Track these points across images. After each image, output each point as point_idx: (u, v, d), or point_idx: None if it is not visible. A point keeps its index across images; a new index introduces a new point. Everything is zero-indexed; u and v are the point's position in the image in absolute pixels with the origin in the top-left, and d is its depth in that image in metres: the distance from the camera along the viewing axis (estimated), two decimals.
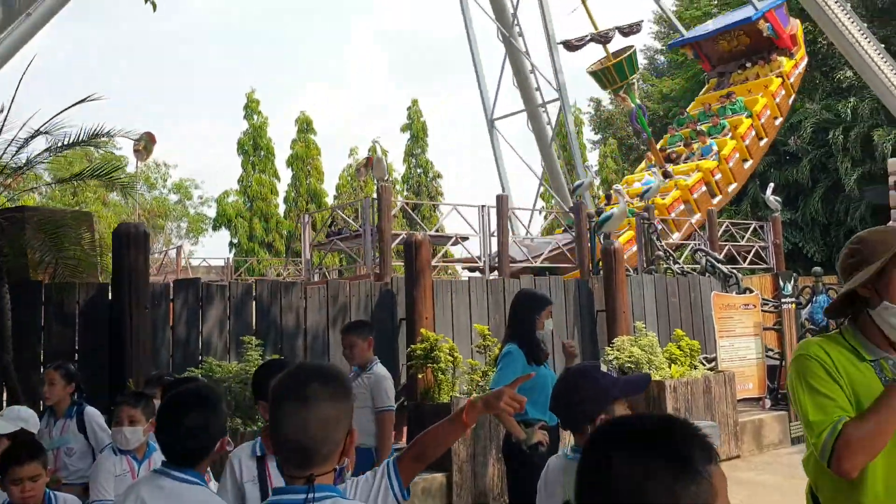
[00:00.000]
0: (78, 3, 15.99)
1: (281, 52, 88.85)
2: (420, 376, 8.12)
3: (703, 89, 26.13)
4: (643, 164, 22.94)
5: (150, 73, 79.66)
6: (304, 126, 38.31)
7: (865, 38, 18.93)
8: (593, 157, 42.41)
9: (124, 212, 34.30)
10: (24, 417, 4.36)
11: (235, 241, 36.69)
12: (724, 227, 18.80)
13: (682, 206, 18.84)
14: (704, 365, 10.46)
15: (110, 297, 6.98)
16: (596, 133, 47.54)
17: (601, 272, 13.22)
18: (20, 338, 6.37)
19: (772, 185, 18.80)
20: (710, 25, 25.48)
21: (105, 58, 76.24)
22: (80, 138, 6.69)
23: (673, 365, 9.89)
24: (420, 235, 9.07)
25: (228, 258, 30.44)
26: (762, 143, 21.69)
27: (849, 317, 2.48)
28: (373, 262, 13.58)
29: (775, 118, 22.19)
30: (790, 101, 23.04)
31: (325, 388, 1.89)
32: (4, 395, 6.25)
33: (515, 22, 23.98)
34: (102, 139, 6.61)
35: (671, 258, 14.51)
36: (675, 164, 20.96)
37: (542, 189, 38.77)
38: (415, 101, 39.99)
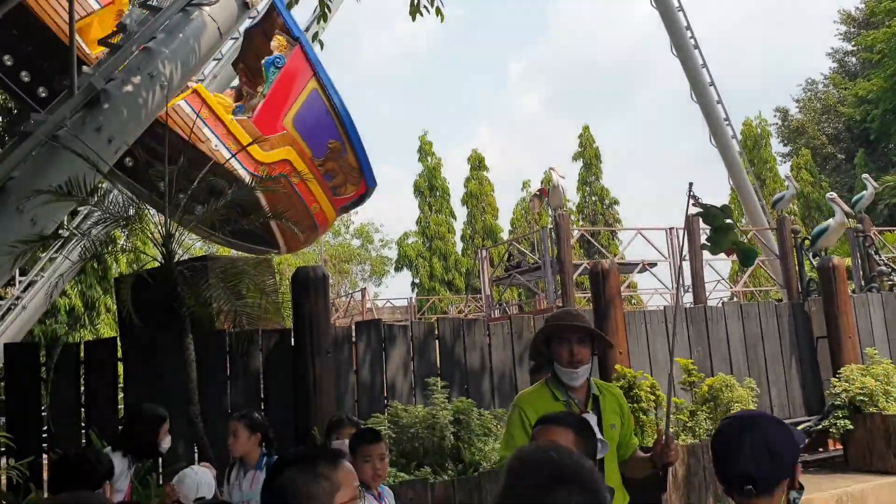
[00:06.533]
0: None
1: (446, 95, 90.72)
2: None
3: None
4: None
5: None
6: (477, 163, 38.52)
7: None
8: (784, 171, 39.35)
9: (312, 259, 35.83)
10: (203, 481, 4.21)
11: (417, 280, 37.28)
12: None
13: None
14: None
15: (293, 343, 6.86)
16: (785, 145, 44.32)
17: (815, 294, 11.87)
18: (206, 388, 6.32)
19: None
20: None
21: None
22: None
23: None
24: (606, 263, 8.34)
25: (411, 298, 30.87)
26: None
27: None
28: (554, 294, 12.95)
29: None
30: None
31: None
32: (195, 449, 6.20)
33: (691, 35, 22.72)
34: None
35: (895, 274, 12.83)
36: None
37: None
38: (585, 128, 39.04)
